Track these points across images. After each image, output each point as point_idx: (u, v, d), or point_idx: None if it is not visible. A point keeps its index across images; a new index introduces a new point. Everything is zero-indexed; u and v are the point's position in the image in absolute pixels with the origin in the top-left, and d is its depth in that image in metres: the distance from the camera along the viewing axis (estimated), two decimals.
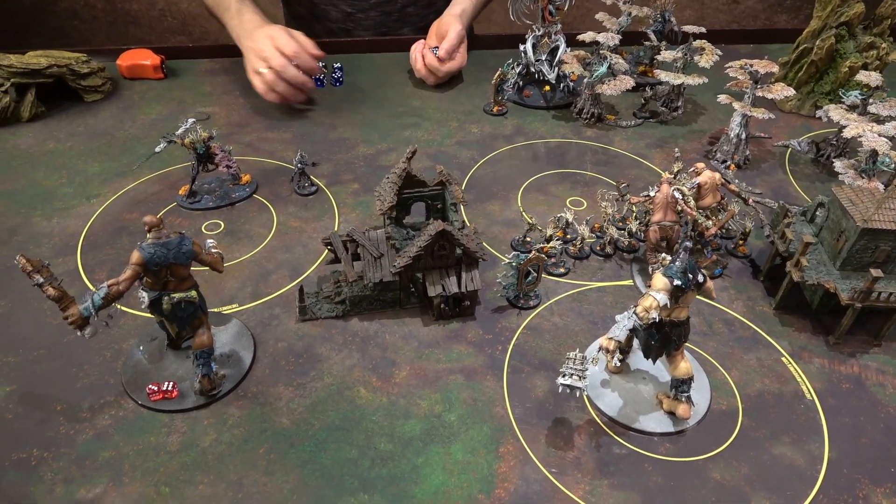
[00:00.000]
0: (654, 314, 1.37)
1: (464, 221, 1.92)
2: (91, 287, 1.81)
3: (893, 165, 1.99)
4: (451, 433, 1.51)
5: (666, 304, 1.37)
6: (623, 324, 1.40)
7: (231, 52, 2.85)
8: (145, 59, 2.81)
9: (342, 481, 1.41)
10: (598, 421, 1.55)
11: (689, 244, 1.40)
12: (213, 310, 1.77)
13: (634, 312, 1.39)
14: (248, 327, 1.74)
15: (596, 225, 2.06)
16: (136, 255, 1.40)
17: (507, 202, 2.22)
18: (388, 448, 1.48)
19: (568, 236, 2.02)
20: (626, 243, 2.00)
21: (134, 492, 1.38)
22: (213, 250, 1.55)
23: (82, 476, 1.40)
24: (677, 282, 1.36)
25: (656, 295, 1.37)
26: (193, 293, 1.50)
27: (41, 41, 2.77)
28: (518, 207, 2.19)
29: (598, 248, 2.00)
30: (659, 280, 1.38)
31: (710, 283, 1.44)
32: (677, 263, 1.38)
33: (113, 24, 3.27)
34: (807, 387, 1.64)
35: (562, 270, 1.93)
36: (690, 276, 1.37)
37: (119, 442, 1.47)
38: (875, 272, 1.60)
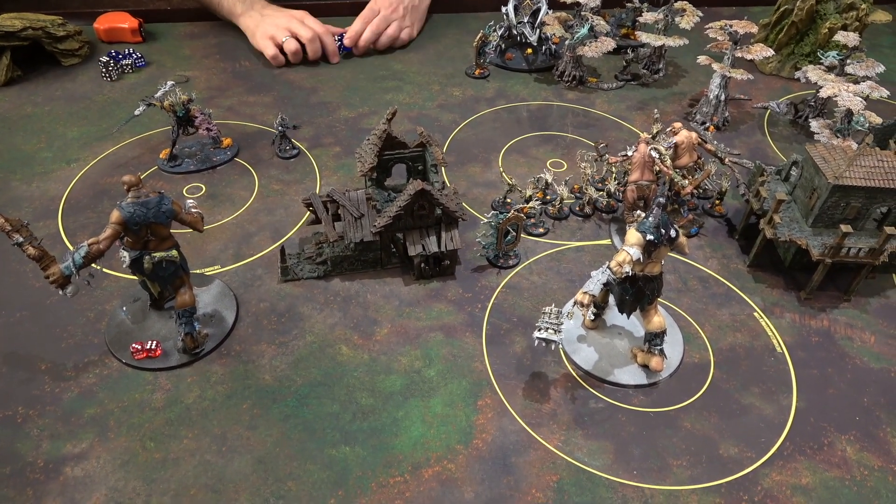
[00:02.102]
0: (628, 268, 1.40)
1: (444, 183, 1.93)
2: (72, 249, 1.82)
3: (868, 125, 2.01)
4: (430, 388, 1.55)
5: (639, 259, 1.40)
6: (598, 278, 1.43)
7: (211, 15, 2.82)
8: (123, 22, 2.77)
9: (324, 434, 1.45)
10: (574, 375, 1.59)
11: (662, 200, 1.42)
12: (195, 271, 1.78)
13: (608, 267, 1.42)
14: (231, 288, 1.76)
15: (575, 186, 2.08)
16: (115, 214, 1.41)
17: (487, 164, 2.23)
18: (369, 402, 1.51)
19: (548, 197, 2.04)
20: (605, 203, 2.02)
21: (119, 446, 1.41)
22: (193, 210, 1.56)
23: (68, 432, 1.43)
24: (650, 236, 1.39)
25: (629, 249, 1.40)
26: (174, 252, 1.51)
27: (14, 4, 2.72)
28: (499, 169, 2.21)
29: (577, 208, 2.02)
30: (632, 235, 1.41)
31: (682, 239, 1.47)
32: (650, 219, 1.41)
33: None
34: (777, 340, 1.68)
35: (541, 230, 1.95)
36: (663, 231, 1.40)
37: (104, 399, 1.49)
38: (844, 228, 1.63)
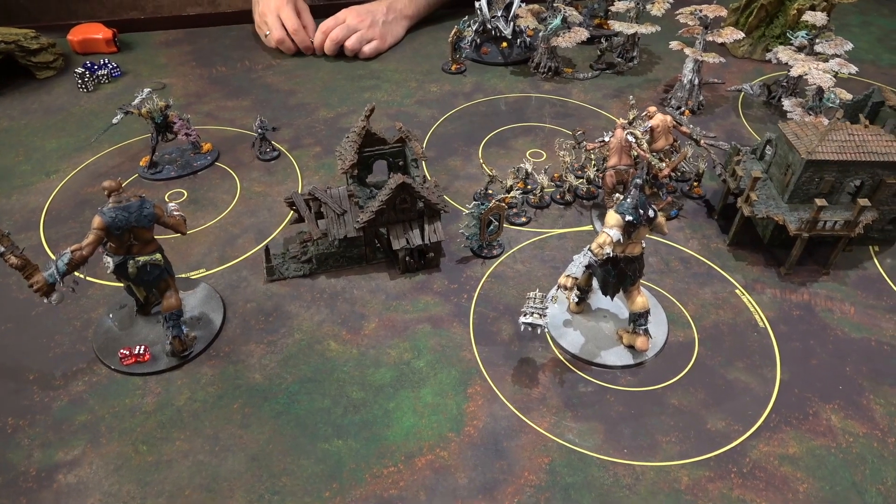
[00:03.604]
0: (608, 249, 1.42)
1: (425, 177, 1.95)
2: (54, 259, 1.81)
3: (839, 101, 2.05)
4: (420, 378, 1.56)
5: (619, 240, 1.42)
6: (580, 261, 1.45)
7: (185, 22, 2.82)
8: (97, 33, 2.76)
9: (316, 429, 1.45)
10: (562, 358, 1.61)
11: (639, 181, 1.44)
12: (181, 275, 1.79)
13: (590, 249, 1.44)
14: (217, 290, 1.76)
15: (555, 175, 2.10)
16: (97, 220, 1.41)
17: (468, 157, 2.25)
18: (359, 396, 1.52)
19: (528, 187, 2.06)
20: (585, 190, 2.04)
21: (112, 451, 1.41)
22: (176, 213, 1.56)
23: (60, 440, 1.43)
24: (629, 217, 1.41)
25: (609, 231, 1.42)
26: (158, 256, 1.51)
27: None
28: (479, 162, 2.22)
29: (557, 196, 2.04)
30: (612, 217, 1.43)
31: (661, 219, 1.50)
32: (628, 200, 1.43)
33: (62, 1, 3.18)
34: (759, 316, 1.71)
35: (523, 220, 1.97)
36: (641, 211, 1.42)
37: (94, 406, 1.49)
38: (819, 202, 1.66)
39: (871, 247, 1.92)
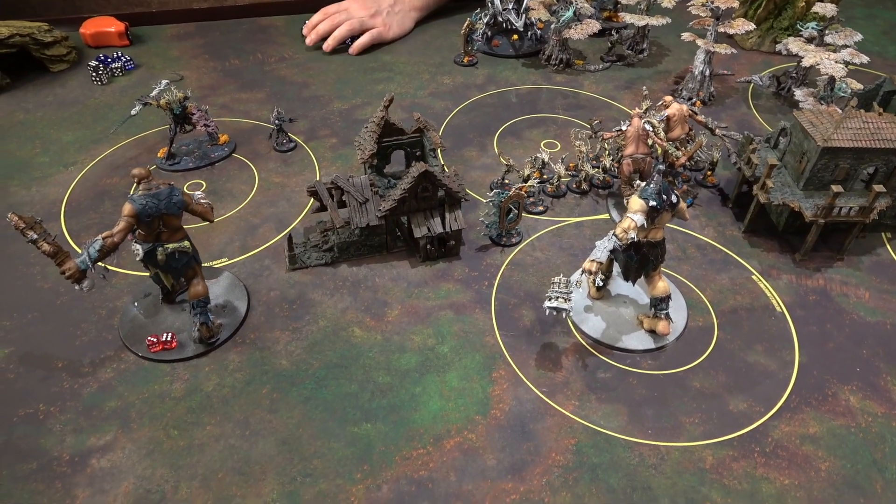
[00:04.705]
0: (633, 234, 1.44)
1: (443, 166, 1.97)
2: (78, 250, 1.83)
3: (850, 91, 2.07)
4: (445, 363, 1.58)
5: (643, 225, 1.44)
6: (604, 245, 1.48)
7: (195, 16, 2.83)
8: (109, 26, 2.77)
9: (345, 413, 1.47)
10: (584, 343, 1.63)
11: (662, 167, 1.47)
12: (203, 265, 1.80)
13: (614, 234, 1.46)
14: (240, 279, 1.78)
15: (571, 164, 2.12)
16: (127, 207, 1.43)
17: (483, 148, 2.27)
18: (386, 380, 1.54)
19: (545, 176, 2.08)
20: (601, 179, 2.07)
21: (143, 436, 1.42)
22: (203, 201, 1.58)
23: (91, 426, 1.44)
24: (652, 202, 1.43)
25: (634, 216, 1.44)
26: (186, 243, 1.53)
27: None
28: (494, 152, 2.24)
29: (574, 185, 2.07)
30: (636, 202, 1.45)
31: (682, 204, 1.52)
32: (652, 185, 1.45)
33: None
34: (776, 300, 1.74)
35: (541, 209, 2.00)
36: (664, 196, 1.44)
37: (124, 392, 1.51)
38: (836, 188, 1.69)
39: (883, 233, 1.94)
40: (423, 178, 1.72)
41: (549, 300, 1.51)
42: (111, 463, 1.38)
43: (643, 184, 1.50)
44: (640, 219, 1.44)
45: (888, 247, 1.91)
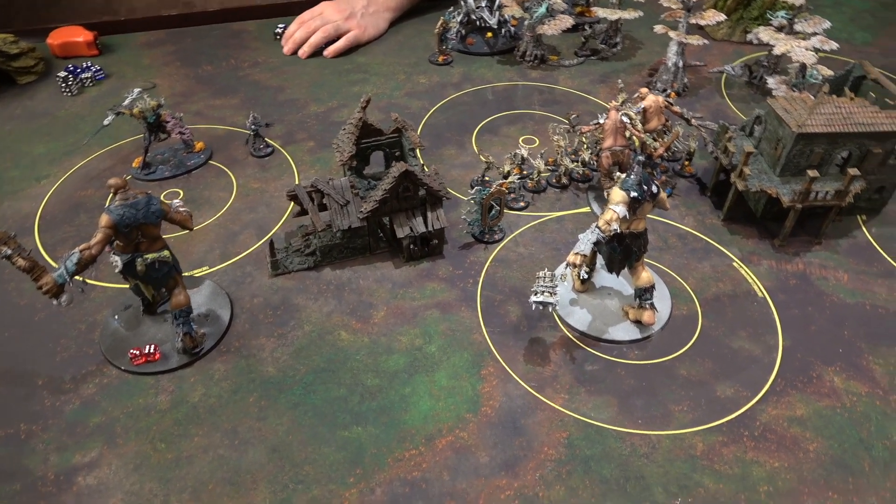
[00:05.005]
0: (615, 226, 1.45)
1: (422, 166, 1.96)
2: (54, 265, 1.79)
3: (821, 77, 2.11)
4: (433, 363, 1.57)
5: (625, 216, 1.45)
6: (587, 238, 1.48)
7: (165, 23, 2.79)
8: (77, 36, 2.72)
9: (335, 417, 1.46)
10: (571, 337, 1.63)
11: (641, 158, 1.48)
12: (184, 274, 1.77)
13: (597, 226, 1.47)
14: (222, 287, 1.76)
15: (550, 159, 2.13)
16: (105, 218, 1.40)
17: (462, 146, 2.26)
18: (374, 383, 1.53)
19: (525, 172, 2.08)
20: (581, 173, 2.07)
21: (130, 451, 1.40)
22: (181, 209, 1.55)
23: (75, 443, 1.41)
24: (634, 193, 1.44)
25: (615, 208, 1.45)
26: (166, 252, 1.51)
27: None
28: (473, 150, 2.24)
29: (553, 180, 2.07)
30: (617, 194, 1.46)
31: (663, 194, 1.53)
32: (632, 177, 1.46)
33: (32, 7, 3.12)
34: (758, 286, 1.76)
35: (522, 204, 2.00)
36: (645, 187, 1.45)
37: (107, 407, 1.48)
38: (812, 173, 1.71)
39: (858, 216, 1.98)
40: (403, 178, 1.71)
41: (535, 294, 1.51)
42: (98, 480, 1.35)
43: (624, 175, 1.51)
44: (622, 210, 1.45)
45: (863, 229, 1.94)
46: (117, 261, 1.48)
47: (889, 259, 1.84)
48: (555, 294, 1.51)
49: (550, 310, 1.52)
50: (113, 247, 1.47)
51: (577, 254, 1.48)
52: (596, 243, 1.50)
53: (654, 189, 1.47)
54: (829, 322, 1.67)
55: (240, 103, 2.48)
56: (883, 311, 1.70)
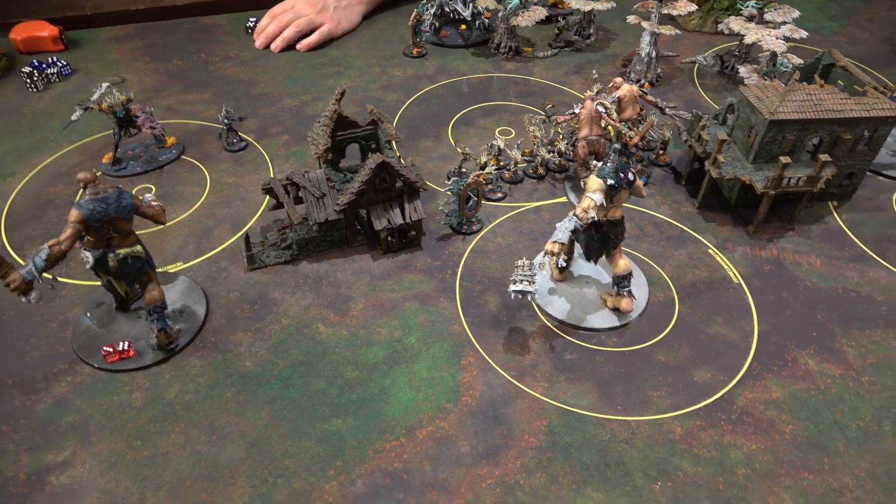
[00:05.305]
0: (593, 213, 1.45)
1: (399, 158, 1.95)
2: (22, 263, 1.75)
3: (791, 66, 2.13)
4: (413, 354, 1.57)
5: (602, 204, 1.46)
6: (565, 226, 1.48)
7: (133, 18, 2.74)
8: (42, 31, 2.66)
9: (314, 410, 1.45)
10: (550, 325, 1.64)
11: (617, 146, 1.48)
12: (158, 270, 1.74)
13: (574, 214, 1.47)
14: (197, 282, 1.73)
15: (526, 150, 2.13)
16: (74, 213, 1.37)
17: (438, 138, 2.26)
18: (354, 375, 1.52)
19: (501, 163, 2.08)
20: (557, 163, 2.08)
21: (104, 449, 1.37)
22: (154, 203, 1.52)
23: (48, 442, 1.38)
24: (610, 181, 1.45)
25: (592, 195, 1.45)
26: (139, 248, 1.48)
27: None
28: (450, 142, 2.24)
29: (530, 171, 2.08)
30: (594, 182, 1.46)
31: (639, 182, 1.54)
32: (609, 164, 1.46)
33: None
34: (733, 273, 1.78)
35: (499, 195, 2.00)
36: (622, 174, 1.46)
37: (81, 406, 1.45)
38: (784, 159, 1.73)
39: (830, 202, 2.01)
40: (380, 170, 1.70)
41: (514, 284, 1.51)
42: (72, 479, 1.32)
43: (600, 163, 1.51)
44: (599, 198, 1.45)
45: (835, 214, 1.97)
46: (88, 256, 1.44)
47: (860, 244, 1.88)
48: (533, 283, 1.51)
49: (529, 299, 1.52)
50: (84, 242, 1.44)
51: (554, 242, 1.48)
52: (574, 231, 1.51)
53: (631, 176, 1.48)
54: (803, 306, 1.70)
55: (212, 98, 2.45)
56: (854, 294, 1.73)
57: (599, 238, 1.55)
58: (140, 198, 1.48)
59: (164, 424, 1.42)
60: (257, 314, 1.66)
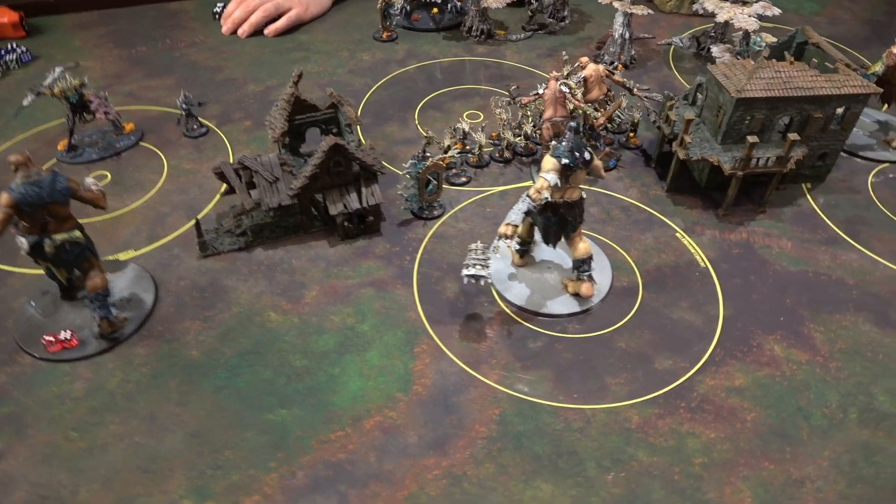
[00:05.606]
0: (546, 194, 1.40)
1: (360, 141, 1.89)
2: None
3: (765, 45, 2.07)
4: (365, 342, 1.51)
5: (557, 184, 1.40)
6: (518, 208, 1.43)
7: (97, 4, 2.68)
8: (2, 17, 2.59)
9: (260, 400, 1.40)
10: (508, 312, 1.58)
11: (573, 125, 1.42)
12: (108, 257, 1.70)
13: (528, 195, 1.42)
14: (147, 270, 1.68)
15: (493, 133, 2.07)
16: (4, 197, 1.32)
17: (404, 123, 2.20)
18: (303, 364, 1.47)
19: (467, 147, 2.02)
20: (524, 147, 2.02)
21: (40, 442, 1.32)
22: (94, 187, 1.47)
23: None
24: (565, 160, 1.39)
25: (546, 175, 1.40)
26: (77, 233, 1.42)
27: None
28: (416, 126, 2.18)
29: (497, 154, 2.02)
30: (548, 161, 1.41)
31: (597, 162, 1.48)
32: (564, 143, 1.41)
33: None
34: (700, 256, 1.72)
35: (463, 179, 1.94)
36: (577, 154, 1.40)
37: (18, 397, 1.40)
38: (751, 139, 1.68)
39: (803, 184, 1.95)
40: (334, 153, 1.65)
41: (467, 268, 1.46)
42: (2, 472, 1.27)
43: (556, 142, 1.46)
44: (552, 178, 1.39)
45: (808, 197, 1.92)
46: (23, 242, 1.39)
47: (832, 226, 1.82)
48: (487, 267, 1.46)
49: (483, 283, 1.46)
50: (18, 228, 1.39)
51: (508, 224, 1.42)
52: (528, 213, 1.45)
53: (587, 156, 1.42)
54: (772, 290, 1.64)
55: (175, 84, 2.39)
56: (825, 278, 1.67)
57: (557, 221, 1.50)
58: (78, 182, 1.42)
59: (104, 415, 1.37)
60: (207, 302, 1.60)
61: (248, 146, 2.10)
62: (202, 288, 1.64)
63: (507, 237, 1.43)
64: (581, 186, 1.48)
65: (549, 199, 1.42)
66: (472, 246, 1.48)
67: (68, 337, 1.50)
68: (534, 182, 1.92)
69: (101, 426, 1.35)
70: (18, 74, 2.45)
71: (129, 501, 1.24)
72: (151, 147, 2.10)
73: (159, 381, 1.43)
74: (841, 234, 1.80)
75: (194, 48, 2.61)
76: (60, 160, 2.03)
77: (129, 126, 2.12)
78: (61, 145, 2.04)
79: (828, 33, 2.64)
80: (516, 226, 1.43)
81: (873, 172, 2.01)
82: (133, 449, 1.31)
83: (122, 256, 1.72)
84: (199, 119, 2.15)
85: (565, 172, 1.41)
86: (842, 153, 2.06)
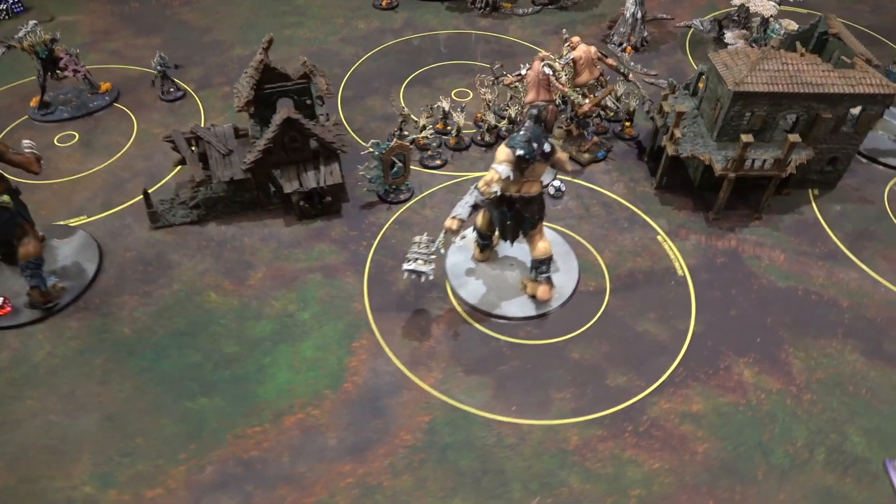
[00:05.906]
0: (496, 188, 1.28)
1: (327, 114, 1.79)
2: None
3: (784, 32, 1.88)
4: (302, 331, 1.43)
5: (509, 177, 1.28)
6: (465, 200, 1.32)
7: None
8: None
9: (182, 386, 1.33)
10: (460, 310, 1.48)
11: (535, 112, 1.29)
12: (59, 222, 1.65)
13: (476, 187, 1.30)
14: (96, 238, 1.62)
15: (479, 115, 1.94)
16: None
17: (388, 97, 2.08)
18: (234, 350, 1.39)
19: (448, 127, 1.90)
20: (507, 131, 1.89)
21: None
22: (27, 150, 1.40)
23: None
24: (520, 152, 1.26)
25: (497, 167, 1.27)
26: (6, 198, 1.36)
27: None
28: (399, 102, 2.06)
29: (478, 137, 1.89)
30: (501, 152, 1.28)
31: (561, 154, 1.35)
32: (521, 133, 1.28)
33: None
34: (680, 263, 1.58)
35: (438, 162, 1.82)
36: (535, 145, 1.27)
37: None
38: (745, 137, 1.51)
39: (810, 190, 1.77)
40: (288, 127, 1.55)
41: (408, 262, 1.36)
42: None
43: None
44: (504, 170, 1.27)
45: (813, 204, 1.74)
46: None
47: (835, 239, 1.64)
48: (430, 263, 1.35)
49: (423, 280, 1.36)
50: None
51: (453, 218, 1.31)
52: (476, 207, 1.33)
53: (547, 148, 1.29)
54: (753, 306, 1.49)
55: (162, 43, 2.31)
56: (816, 297, 1.51)
57: (513, 216, 1.37)
58: (6, 144, 1.36)
59: (23, 389, 1.33)
60: (150, 276, 1.54)
61: (222, 113, 2.01)
62: (147, 261, 1.57)
63: (452, 231, 1.32)
64: (560, 177, 1.35)
65: (503, 193, 1.30)
66: (417, 238, 1.37)
67: (1, 303, 1.45)
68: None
69: (18, 400, 1.31)
70: (8, 25, 2.39)
71: (32, 483, 1.19)
72: (125, 109, 2.03)
73: (85, 357, 1.38)
74: (843, 248, 1.62)
75: (187, 7, 2.52)
76: (32, 117, 1.98)
77: (105, 85, 2.05)
78: (34, 102, 1.99)
79: (868, 23, 2.40)
80: (463, 220, 1.32)
81: (893, 182, 1.81)
82: (45, 427, 1.27)
83: (72, 222, 1.66)
84: (176, 81, 2.07)
85: (521, 165, 1.28)
86: (861, 158, 1.87)
